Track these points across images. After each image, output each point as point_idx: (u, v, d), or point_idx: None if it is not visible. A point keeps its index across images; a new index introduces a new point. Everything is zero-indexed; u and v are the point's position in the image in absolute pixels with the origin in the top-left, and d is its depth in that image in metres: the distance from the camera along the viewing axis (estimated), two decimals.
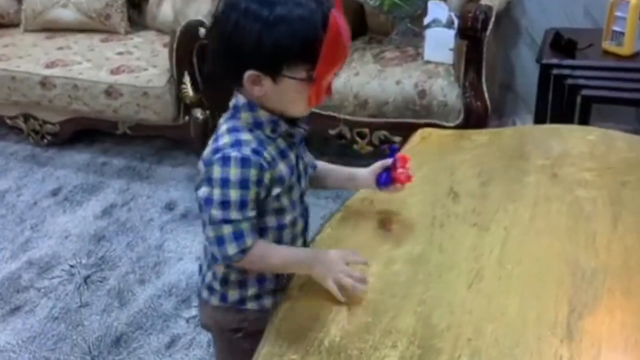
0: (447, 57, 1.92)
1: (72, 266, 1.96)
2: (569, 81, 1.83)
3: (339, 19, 0.83)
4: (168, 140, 2.57)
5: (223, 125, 0.94)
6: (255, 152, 0.89)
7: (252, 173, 0.89)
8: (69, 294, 1.84)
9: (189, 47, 2.18)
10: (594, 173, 1.26)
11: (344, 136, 2.07)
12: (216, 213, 0.89)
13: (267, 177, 0.91)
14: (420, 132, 1.50)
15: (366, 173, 1.12)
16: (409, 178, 1.08)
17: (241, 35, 0.85)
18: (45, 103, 2.49)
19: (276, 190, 0.94)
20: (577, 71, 1.83)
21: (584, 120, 1.89)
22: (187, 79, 2.22)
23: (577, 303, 0.92)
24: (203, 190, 0.91)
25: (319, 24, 0.84)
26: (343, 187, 1.16)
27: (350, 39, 0.90)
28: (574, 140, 1.41)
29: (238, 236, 0.90)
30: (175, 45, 2.20)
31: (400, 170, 1.07)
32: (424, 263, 1.03)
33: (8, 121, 2.67)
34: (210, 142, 0.94)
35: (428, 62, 1.99)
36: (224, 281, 1.01)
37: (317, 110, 2.07)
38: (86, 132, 2.66)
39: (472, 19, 1.73)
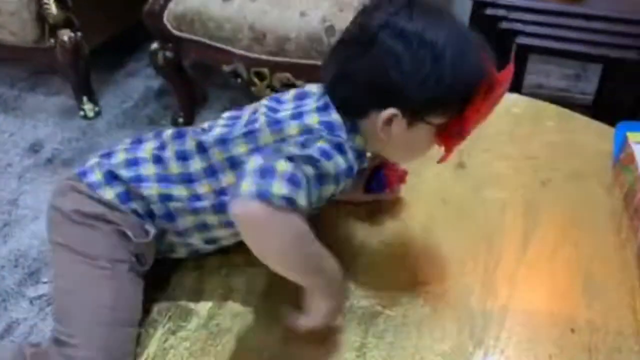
0: None
1: None
2: (503, 25, 1.53)
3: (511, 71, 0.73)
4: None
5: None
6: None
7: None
8: None
9: None
10: (510, 164, 1.00)
11: (240, 75, 1.73)
12: (286, 150, 0.65)
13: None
14: None
15: None
16: (403, 177, 0.89)
17: (403, 70, 0.70)
18: None
19: None
20: (513, 13, 1.52)
21: (519, 73, 1.61)
22: None
23: None
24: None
25: (483, 72, 0.71)
26: None
27: None
28: (495, 113, 1.13)
29: (296, 182, 0.62)
30: None
31: (394, 166, 0.87)
32: (252, 304, 0.77)
33: None
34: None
35: None
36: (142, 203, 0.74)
37: (208, 42, 1.71)
38: None
39: None
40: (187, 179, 0.73)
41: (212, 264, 0.81)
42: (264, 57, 1.65)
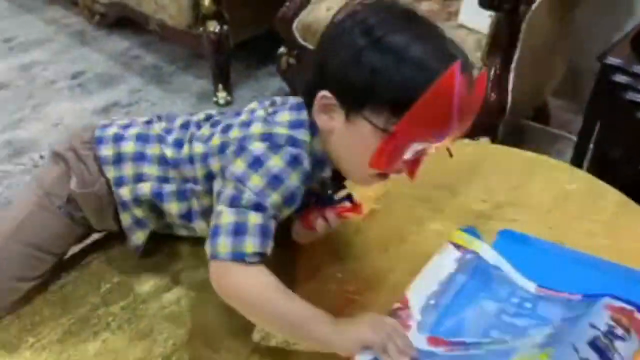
0: (484, 24, 1.48)
1: (41, 157, 1.92)
2: (628, 95, 1.33)
3: (457, 78, 0.63)
4: None
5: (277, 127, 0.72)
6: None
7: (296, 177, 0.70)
8: (20, 185, 1.80)
9: None
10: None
11: None
12: (251, 195, 0.68)
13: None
14: None
15: None
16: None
17: (344, 49, 0.67)
18: None
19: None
20: None
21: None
22: None
23: None
24: (238, 165, 0.70)
25: (430, 74, 0.64)
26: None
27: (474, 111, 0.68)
28: (540, 184, 1.00)
29: (266, 232, 0.68)
30: None
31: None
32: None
33: None
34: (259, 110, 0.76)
35: (462, 26, 1.56)
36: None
37: None
38: None
39: None
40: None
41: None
42: None
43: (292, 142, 0.70)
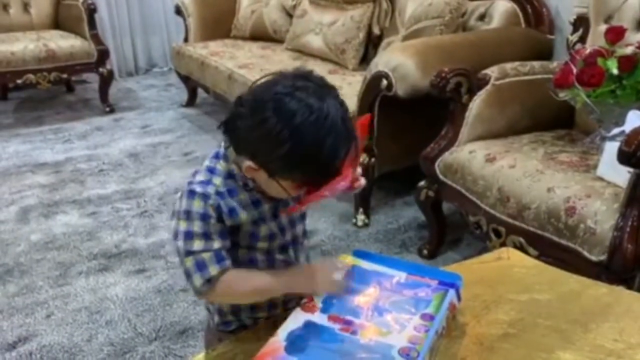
0: (623, 179, 1.57)
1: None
2: None
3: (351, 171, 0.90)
4: None
5: (205, 162, 0.99)
6: (218, 194, 0.94)
7: (211, 209, 0.93)
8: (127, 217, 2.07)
9: (372, 95, 2.23)
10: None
11: (481, 227, 1.86)
12: (181, 245, 0.93)
13: (227, 221, 0.94)
14: (499, 251, 1.30)
15: None
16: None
17: (267, 129, 0.86)
18: None
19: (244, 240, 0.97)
20: None
21: None
22: None
23: None
24: (173, 224, 0.96)
25: (337, 163, 0.87)
26: None
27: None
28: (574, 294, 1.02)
29: (201, 267, 0.92)
30: (362, 90, 2.27)
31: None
32: None
33: None
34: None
35: (600, 178, 1.65)
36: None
37: (463, 191, 1.92)
38: None
39: (638, 143, 1.38)
40: None
41: None
42: (504, 217, 1.76)
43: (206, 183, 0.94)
